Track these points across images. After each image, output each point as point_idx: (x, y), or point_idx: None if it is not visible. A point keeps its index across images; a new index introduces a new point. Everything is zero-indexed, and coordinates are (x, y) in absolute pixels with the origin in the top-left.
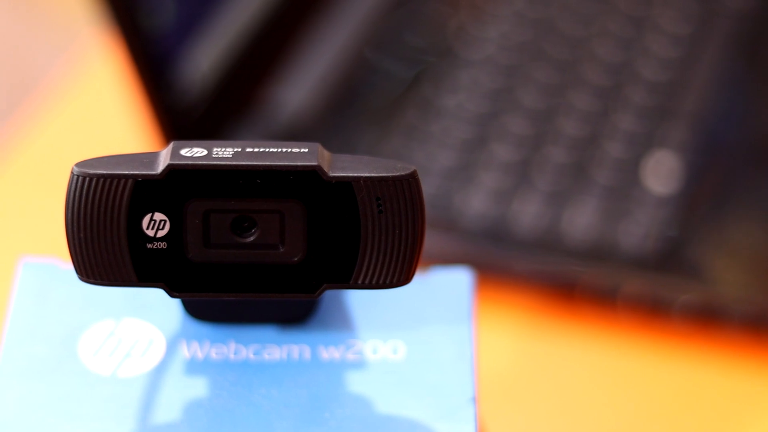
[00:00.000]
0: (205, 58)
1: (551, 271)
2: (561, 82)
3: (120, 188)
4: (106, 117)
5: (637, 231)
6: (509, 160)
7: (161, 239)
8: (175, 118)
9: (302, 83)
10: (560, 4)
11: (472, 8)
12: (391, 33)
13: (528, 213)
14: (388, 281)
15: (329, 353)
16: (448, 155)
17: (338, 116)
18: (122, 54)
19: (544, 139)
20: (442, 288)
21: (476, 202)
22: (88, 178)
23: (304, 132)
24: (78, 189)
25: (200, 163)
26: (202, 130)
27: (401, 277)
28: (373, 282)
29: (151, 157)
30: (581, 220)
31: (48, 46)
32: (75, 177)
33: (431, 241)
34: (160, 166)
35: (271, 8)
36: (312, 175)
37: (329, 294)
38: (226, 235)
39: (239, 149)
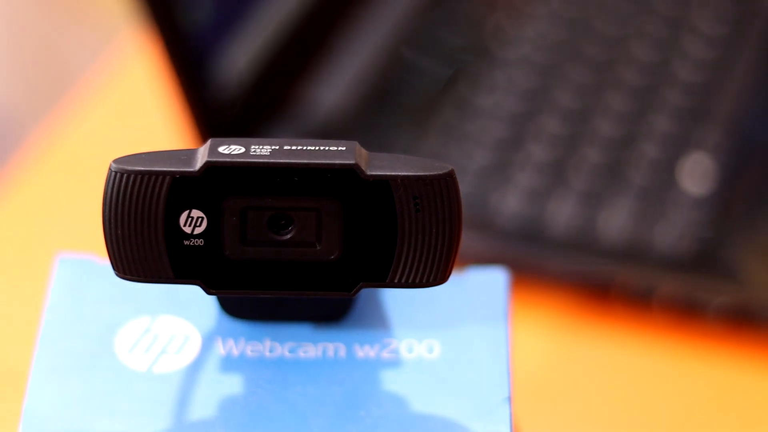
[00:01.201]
0: (242, 56)
1: (586, 271)
2: (597, 82)
3: (158, 185)
4: (144, 114)
5: (673, 232)
6: (545, 160)
7: (198, 236)
8: (211, 115)
9: (339, 81)
10: (597, 4)
11: (509, 7)
12: (428, 31)
13: (563, 213)
14: (424, 280)
15: (364, 352)
16: (484, 155)
17: (375, 114)
18: (159, 51)
19: (580, 139)
20: (478, 288)
21: (512, 202)
22: (125, 175)
23: (341, 130)
24: (116, 185)
25: (238, 160)
26: (238, 128)
27: (437, 277)
28: (410, 281)
29: (189, 154)
30: (616, 220)
31: (85, 43)
32: (113, 173)
33: (466, 240)
34: (198, 163)
35: (307, 5)
36: (349, 173)
37: (365, 292)
38: (263, 233)
39: (277, 147)
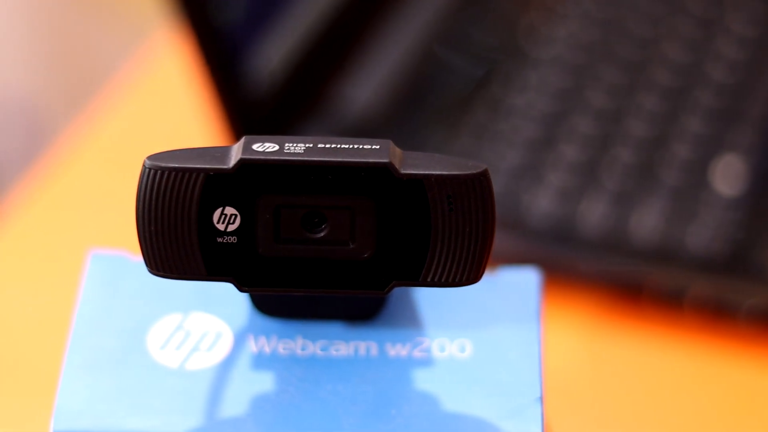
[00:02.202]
0: (275, 54)
1: (618, 272)
2: (629, 82)
3: (191, 182)
4: (177, 111)
5: (705, 233)
6: (577, 160)
7: (231, 233)
8: (245, 113)
9: (372, 79)
10: (630, 4)
11: (542, 7)
12: (461, 30)
13: (595, 213)
14: (457, 279)
15: (396, 350)
16: (516, 154)
17: (407, 113)
18: (193, 49)
19: (613, 139)
20: (510, 287)
21: (544, 202)
22: (159, 172)
23: (373, 129)
24: (149, 182)
25: (272, 158)
26: (271, 126)
27: (470, 276)
28: (442, 280)
29: (223, 152)
30: (648, 221)
31: (118, 40)
32: (147, 170)
33: (498, 239)
34: (232, 160)
35: (341, 3)
36: (383, 171)
37: (397, 291)
38: (296, 231)
39: (311, 145)
